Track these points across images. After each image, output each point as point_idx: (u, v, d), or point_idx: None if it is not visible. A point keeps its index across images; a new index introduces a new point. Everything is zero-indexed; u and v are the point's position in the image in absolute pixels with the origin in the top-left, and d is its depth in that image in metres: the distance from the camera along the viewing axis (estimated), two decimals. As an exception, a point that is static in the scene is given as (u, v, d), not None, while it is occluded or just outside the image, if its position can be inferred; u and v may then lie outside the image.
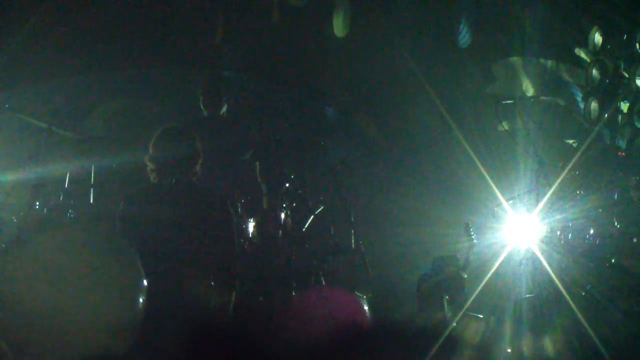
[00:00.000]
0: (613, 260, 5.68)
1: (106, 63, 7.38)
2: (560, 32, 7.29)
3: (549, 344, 5.43)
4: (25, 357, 3.85)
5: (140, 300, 4.03)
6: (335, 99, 8.05)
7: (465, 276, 5.87)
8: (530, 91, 7.46)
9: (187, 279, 4.39)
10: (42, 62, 7.07)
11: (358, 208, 6.71)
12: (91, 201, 6.24)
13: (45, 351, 3.85)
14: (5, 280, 3.99)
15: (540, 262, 5.72)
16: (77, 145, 6.38)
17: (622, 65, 6.56)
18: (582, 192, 6.11)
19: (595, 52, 6.82)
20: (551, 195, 5.86)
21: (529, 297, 5.75)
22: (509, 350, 5.57)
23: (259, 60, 7.78)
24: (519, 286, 5.90)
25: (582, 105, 7.01)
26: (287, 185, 6.15)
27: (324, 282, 6.09)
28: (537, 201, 5.82)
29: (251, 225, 6.05)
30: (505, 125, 6.41)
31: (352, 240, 6.45)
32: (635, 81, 6.34)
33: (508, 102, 6.35)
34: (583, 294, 5.54)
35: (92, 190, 6.29)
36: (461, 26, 7.60)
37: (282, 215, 6.07)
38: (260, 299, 5.81)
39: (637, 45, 6.35)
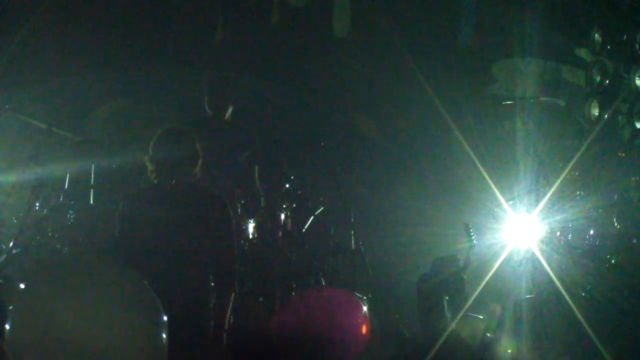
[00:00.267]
0: (613, 261, 5.68)
1: (106, 64, 7.37)
2: (560, 33, 7.29)
3: (549, 345, 5.43)
4: None
5: (164, 336, 3.90)
6: (335, 99, 8.04)
7: (465, 277, 5.87)
8: (530, 92, 7.45)
9: (187, 280, 4.39)
10: (42, 62, 7.07)
11: (358, 208, 6.71)
12: (91, 202, 6.23)
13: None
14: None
15: (540, 262, 5.72)
16: (77, 146, 6.35)
17: (622, 66, 6.55)
18: (582, 193, 6.12)
19: (595, 52, 6.81)
20: (551, 195, 5.87)
21: (529, 297, 5.75)
22: (509, 351, 5.57)
23: (259, 60, 7.77)
24: (519, 287, 5.90)
25: (582, 106, 7.01)
26: (287, 185, 6.15)
27: (324, 283, 6.09)
28: (537, 201, 5.82)
29: (251, 226, 6.04)
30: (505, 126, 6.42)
31: (352, 241, 6.45)
32: (635, 81, 6.33)
33: (508, 102, 6.36)
34: (583, 294, 5.53)
35: (92, 191, 6.28)
36: (461, 27, 7.60)
37: (282, 216, 6.07)
38: (260, 299, 5.80)
39: (637, 45, 6.34)
